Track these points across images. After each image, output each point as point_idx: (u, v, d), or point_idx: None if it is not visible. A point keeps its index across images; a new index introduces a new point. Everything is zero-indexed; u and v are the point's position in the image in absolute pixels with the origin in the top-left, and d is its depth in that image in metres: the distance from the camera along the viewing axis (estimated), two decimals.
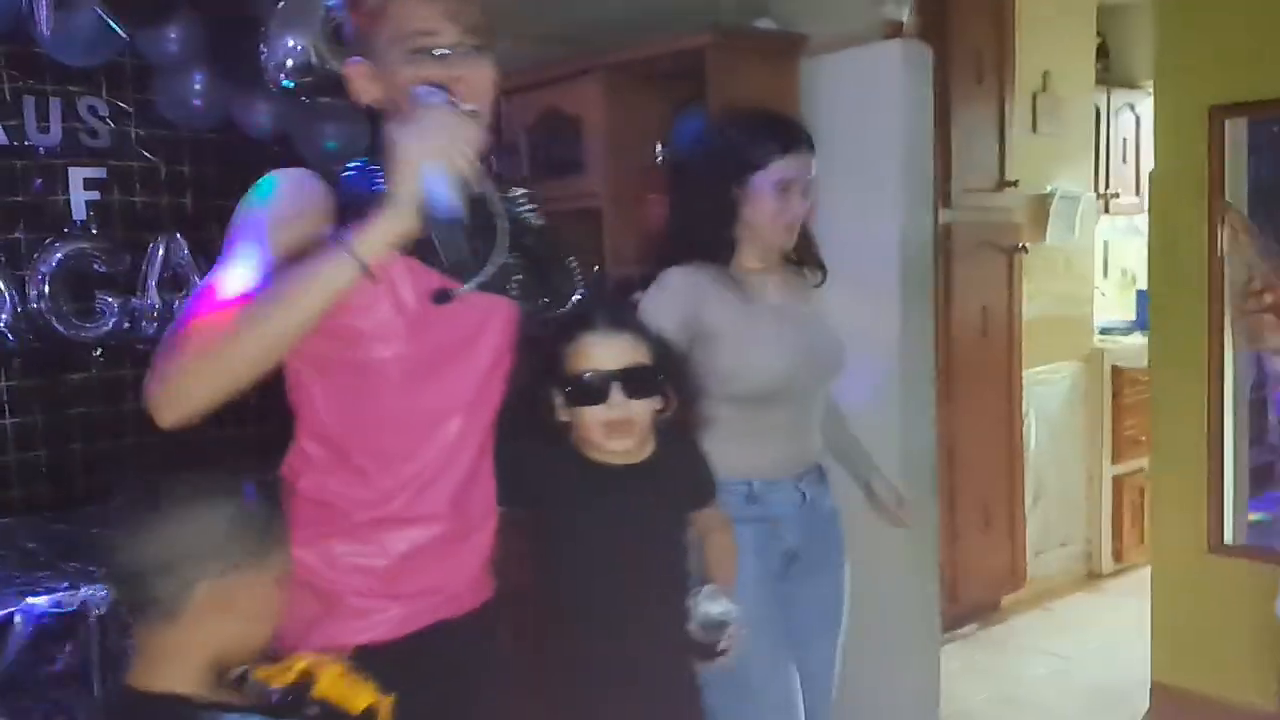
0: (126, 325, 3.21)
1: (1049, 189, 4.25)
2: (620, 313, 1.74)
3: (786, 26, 2.68)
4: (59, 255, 3.08)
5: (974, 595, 3.99)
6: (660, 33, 2.60)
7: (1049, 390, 4.31)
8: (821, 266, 2.12)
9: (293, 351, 1.31)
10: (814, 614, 2.09)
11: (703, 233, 2.00)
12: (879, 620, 2.54)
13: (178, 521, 1.15)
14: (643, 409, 1.61)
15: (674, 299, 1.96)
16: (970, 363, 3.86)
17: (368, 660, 1.34)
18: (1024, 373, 4.08)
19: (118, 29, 2.81)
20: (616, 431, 1.59)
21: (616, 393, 1.58)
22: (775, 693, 1.99)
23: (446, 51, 1.33)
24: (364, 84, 1.39)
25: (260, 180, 1.38)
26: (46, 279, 3.06)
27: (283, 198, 1.36)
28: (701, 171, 2.07)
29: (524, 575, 1.67)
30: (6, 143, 3.05)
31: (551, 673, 1.67)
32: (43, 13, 2.65)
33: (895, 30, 2.63)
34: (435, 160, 1.21)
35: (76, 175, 3.18)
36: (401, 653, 1.41)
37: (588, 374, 1.58)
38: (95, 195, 3.21)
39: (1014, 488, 4.09)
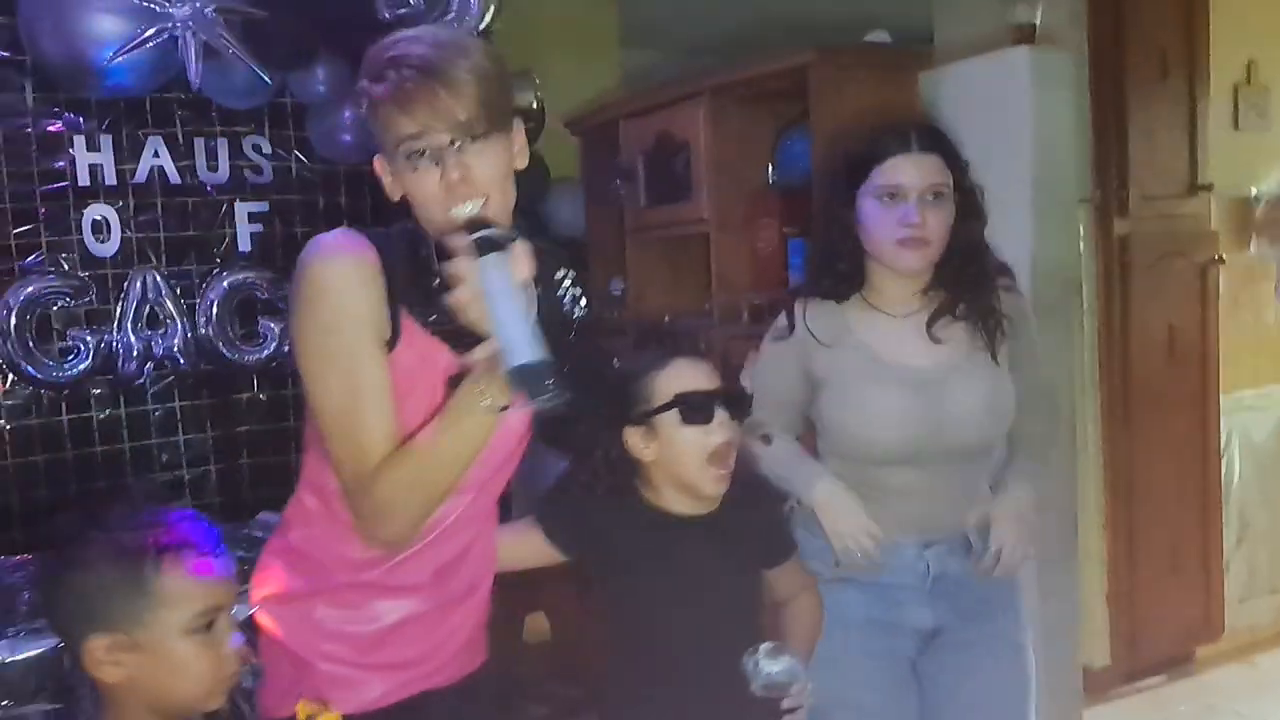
0: (286, 349, 3.43)
1: (1254, 191, 3.79)
2: (694, 346, 1.68)
3: (904, 38, 2.52)
4: (225, 284, 3.33)
5: (1160, 646, 3.61)
6: (767, 50, 2.51)
7: (1256, 417, 3.85)
8: (987, 301, 1.75)
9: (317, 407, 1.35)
10: (966, 705, 1.81)
11: (820, 263, 1.80)
12: None
13: (55, 600, 1.20)
14: (738, 434, 1.54)
15: (779, 353, 1.81)
16: (1154, 388, 3.49)
17: None
18: (1224, 398, 3.66)
19: (263, 75, 2.98)
20: (720, 460, 1.52)
21: (720, 413, 1.51)
22: None
23: (436, 157, 1.30)
24: (388, 180, 1.38)
25: (325, 273, 1.34)
26: (214, 306, 3.32)
27: (366, 294, 1.32)
28: (813, 194, 1.94)
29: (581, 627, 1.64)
30: (180, 182, 3.33)
31: None
32: (192, 64, 2.84)
33: (1026, 36, 2.40)
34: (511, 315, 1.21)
35: (242, 210, 3.42)
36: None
37: (690, 394, 1.51)
38: (259, 228, 3.44)
39: (1209, 526, 3.67)
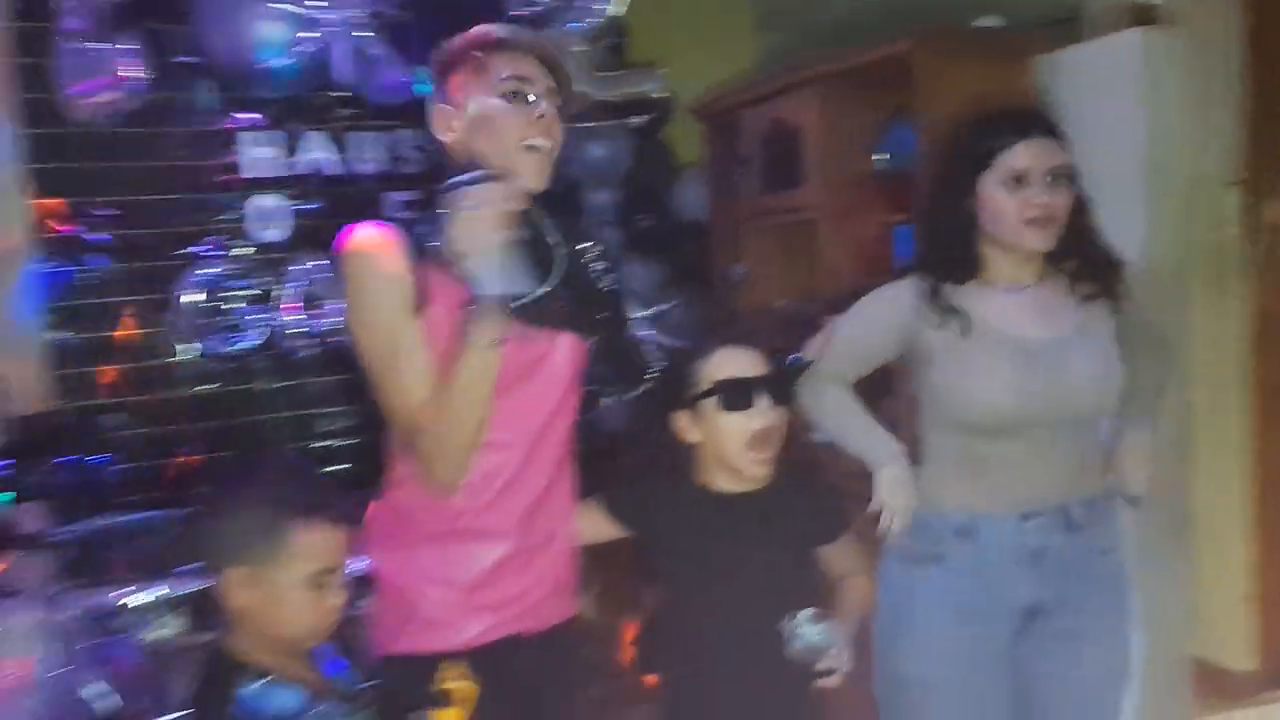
0: None
1: None
2: (744, 330, 1.75)
3: (1017, 22, 2.47)
4: None
5: None
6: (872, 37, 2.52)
7: None
8: (1101, 277, 1.79)
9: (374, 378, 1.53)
10: (1060, 697, 1.82)
11: (936, 248, 1.84)
12: None
13: (206, 531, 1.39)
14: (780, 420, 1.62)
15: (879, 314, 1.86)
16: None
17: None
18: None
19: (407, 73, 3.20)
20: (760, 445, 1.61)
21: (762, 398, 1.60)
22: None
23: (533, 96, 1.54)
24: (445, 123, 1.61)
25: (361, 258, 1.55)
26: None
27: (396, 273, 1.53)
28: (928, 181, 1.96)
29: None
30: (338, 172, 3.61)
31: (669, 707, 1.73)
32: (343, 65, 3.09)
33: (1144, 17, 2.33)
34: (485, 248, 1.41)
35: (394, 197, 3.68)
36: (478, 662, 1.55)
37: (731, 380, 1.61)
38: (410, 214, 3.68)
39: None
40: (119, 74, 2.95)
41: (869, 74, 2.57)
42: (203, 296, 3.36)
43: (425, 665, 1.51)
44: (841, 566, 1.71)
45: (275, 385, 3.60)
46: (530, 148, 1.55)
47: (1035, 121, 1.76)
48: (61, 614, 2.28)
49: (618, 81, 3.32)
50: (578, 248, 1.64)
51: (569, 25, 3.13)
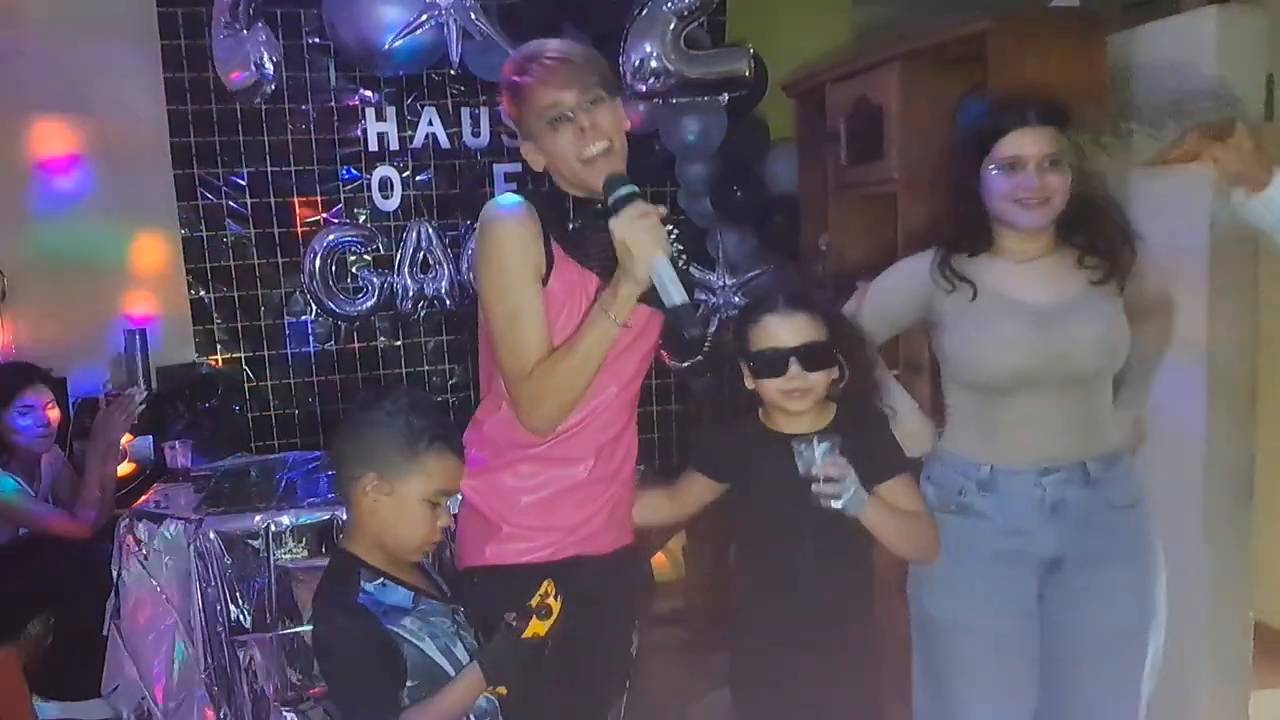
0: None
1: None
2: (798, 295, 1.91)
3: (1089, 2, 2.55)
4: None
5: None
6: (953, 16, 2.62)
7: None
8: (1107, 254, 1.89)
9: (489, 329, 1.74)
10: (1088, 637, 1.93)
11: (951, 220, 1.97)
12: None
13: (353, 438, 1.64)
14: (818, 379, 1.79)
15: (902, 279, 2.03)
16: None
17: (522, 579, 1.71)
18: None
19: (511, 51, 3.41)
20: (792, 396, 1.80)
21: (794, 366, 1.78)
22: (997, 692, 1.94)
23: (571, 113, 1.68)
24: (533, 157, 1.76)
25: (494, 229, 1.72)
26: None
27: (525, 243, 1.71)
28: (946, 160, 2.09)
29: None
30: (449, 146, 3.87)
31: (741, 613, 1.92)
32: (453, 44, 3.32)
33: None
34: (649, 250, 1.59)
35: (499, 171, 3.93)
36: (551, 575, 1.76)
37: (768, 350, 1.80)
38: (513, 186, 3.93)
39: None
40: (258, 58, 3.23)
41: (948, 53, 2.66)
42: (329, 260, 3.68)
43: (505, 577, 1.73)
44: (900, 503, 1.85)
45: (391, 342, 3.91)
46: (587, 160, 1.70)
47: (1032, 110, 1.87)
48: (204, 536, 2.59)
49: (713, 59, 3.47)
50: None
51: (664, 7, 3.29)
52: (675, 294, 1.59)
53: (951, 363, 1.96)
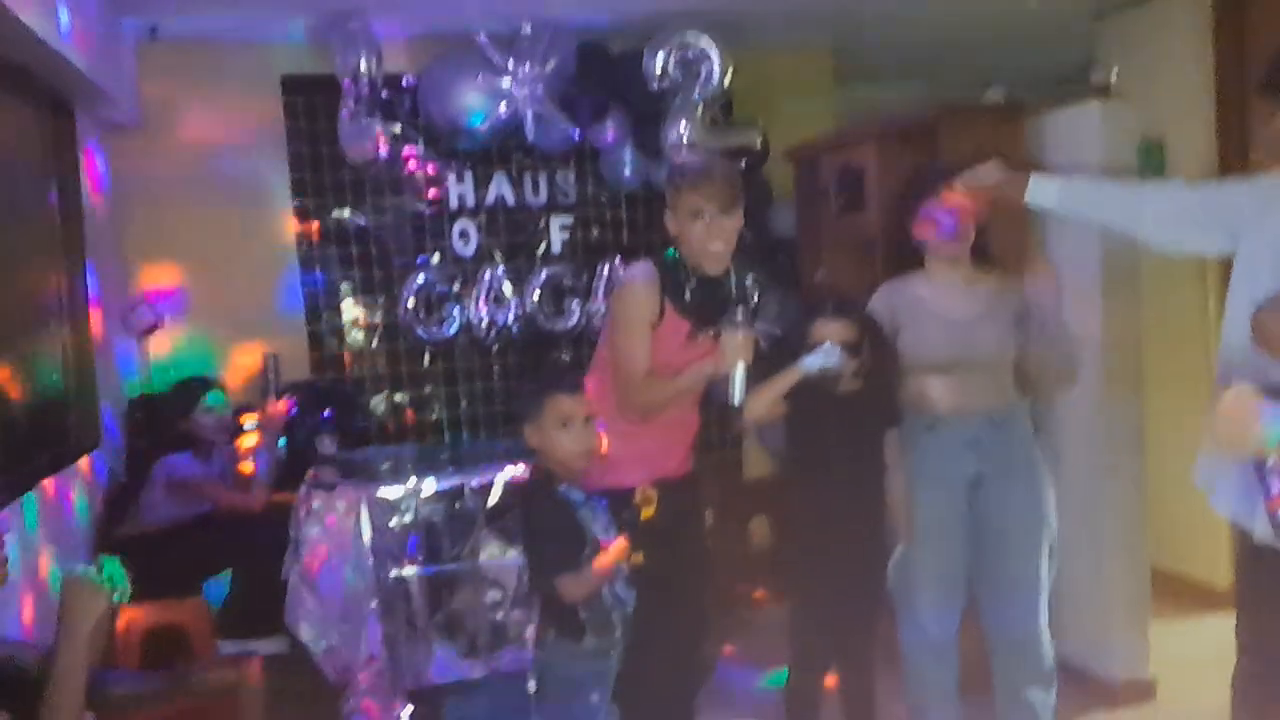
0: (584, 321, 4.81)
1: None
2: (838, 305, 2.78)
3: (1013, 95, 3.52)
4: (544, 274, 4.75)
5: None
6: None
7: None
8: (989, 266, 2.81)
9: (611, 348, 2.65)
10: (1002, 530, 2.75)
11: (900, 253, 2.89)
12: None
13: (519, 398, 2.53)
14: (850, 361, 2.67)
15: (879, 300, 2.91)
16: None
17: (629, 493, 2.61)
18: None
19: (573, 130, 4.36)
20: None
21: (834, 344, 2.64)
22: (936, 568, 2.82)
23: (711, 216, 2.54)
24: (671, 226, 2.63)
25: (629, 288, 2.61)
26: (536, 290, 4.74)
27: (648, 300, 2.58)
28: (888, 212, 3.01)
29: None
30: (515, 204, 4.79)
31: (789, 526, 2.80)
32: (529, 124, 4.25)
33: (1101, 91, 3.36)
34: (737, 359, 2.46)
35: (555, 222, 4.85)
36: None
37: (818, 343, 2.68)
38: (566, 235, 4.85)
39: None
40: (373, 138, 4.14)
41: (912, 132, 3.62)
42: (420, 295, 4.57)
43: (622, 491, 2.60)
44: (891, 448, 2.76)
45: (469, 361, 4.79)
46: (709, 250, 2.57)
47: (946, 174, 2.73)
48: (367, 499, 3.45)
49: (730, 133, 4.43)
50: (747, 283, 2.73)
51: (693, 96, 4.25)
52: (737, 397, 2.46)
53: (906, 351, 2.82)
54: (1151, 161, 3.63)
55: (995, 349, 2.78)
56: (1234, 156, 3.97)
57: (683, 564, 2.74)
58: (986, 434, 2.79)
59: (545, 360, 4.78)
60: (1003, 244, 2.98)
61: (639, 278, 2.62)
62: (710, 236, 2.53)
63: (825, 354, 2.56)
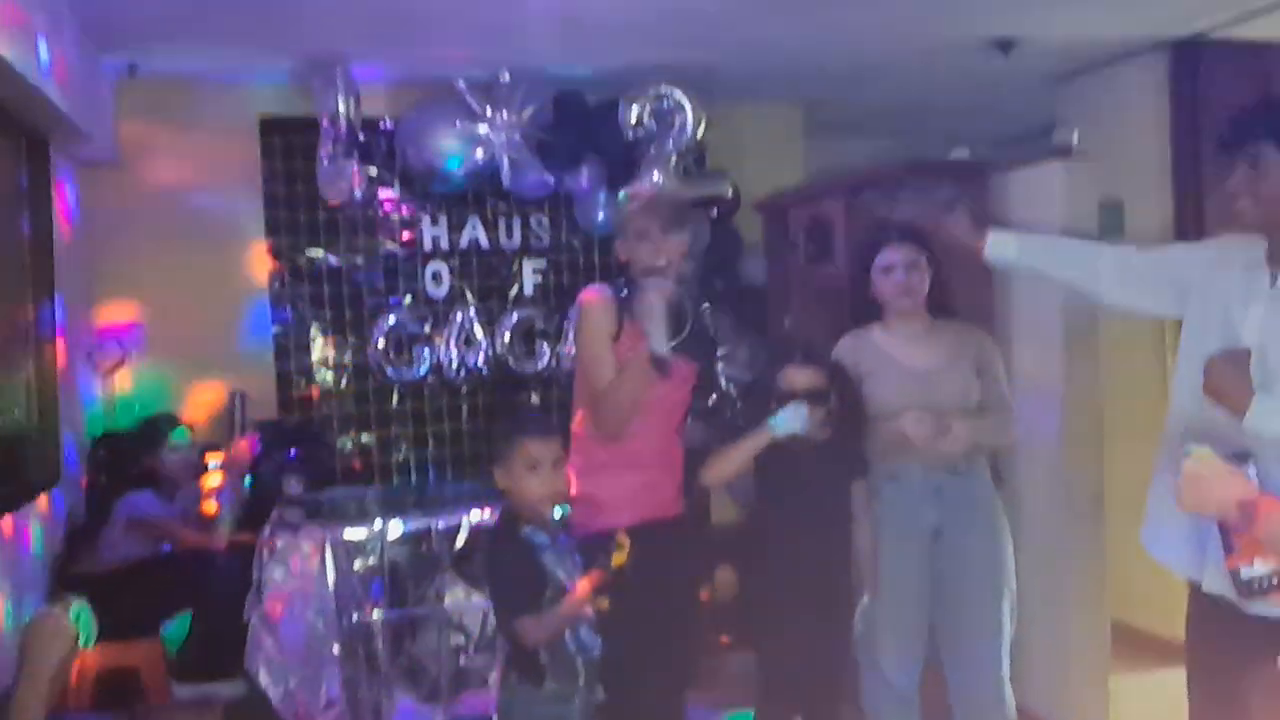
0: (554, 363, 4.83)
1: None
2: (807, 353, 2.83)
3: (978, 153, 3.61)
4: (515, 317, 4.77)
5: None
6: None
7: None
8: (946, 315, 2.89)
9: (581, 372, 2.68)
10: (960, 579, 2.82)
11: (859, 305, 2.97)
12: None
13: (492, 439, 2.54)
14: (818, 414, 2.71)
15: (843, 349, 2.96)
16: None
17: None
18: None
19: (548, 176, 4.41)
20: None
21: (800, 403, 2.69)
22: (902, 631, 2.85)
23: (656, 237, 2.65)
24: (621, 251, 2.74)
25: (588, 306, 2.67)
26: (507, 332, 4.77)
27: (606, 316, 2.65)
28: (848, 267, 3.08)
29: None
30: (489, 247, 4.82)
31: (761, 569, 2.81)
32: (504, 170, 4.30)
33: (1064, 152, 3.45)
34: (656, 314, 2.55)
35: (528, 265, 4.88)
36: (632, 532, 2.65)
37: (787, 391, 2.72)
38: (539, 278, 4.89)
39: None
40: (350, 179, 4.18)
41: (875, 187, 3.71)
42: (390, 336, 4.58)
43: (605, 536, 2.60)
44: (859, 495, 2.80)
45: (438, 402, 4.78)
46: (654, 268, 2.65)
47: (899, 232, 2.83)
48: (329, 542, 3.44)
49: (702, 183, 4.50)
50: (699, 309, 2.75)
51: (666, 146, 4.32)
52: (659, 343, 2.54)
53: (869, 400, 2.86)
54: (1111, 222, 3.72)
55: (956, 398, 2.83)
56: (1190, 219, 4.08)
57: (672, 610, 2.74)
58: (948, 483, 2.83)
59: (515, 402, 4.79)
60: (964, 296, 3.04)
61: (595, 295, 2.71)
62: (657, 254, 2.65)
63: (792, 417, 2.62)
